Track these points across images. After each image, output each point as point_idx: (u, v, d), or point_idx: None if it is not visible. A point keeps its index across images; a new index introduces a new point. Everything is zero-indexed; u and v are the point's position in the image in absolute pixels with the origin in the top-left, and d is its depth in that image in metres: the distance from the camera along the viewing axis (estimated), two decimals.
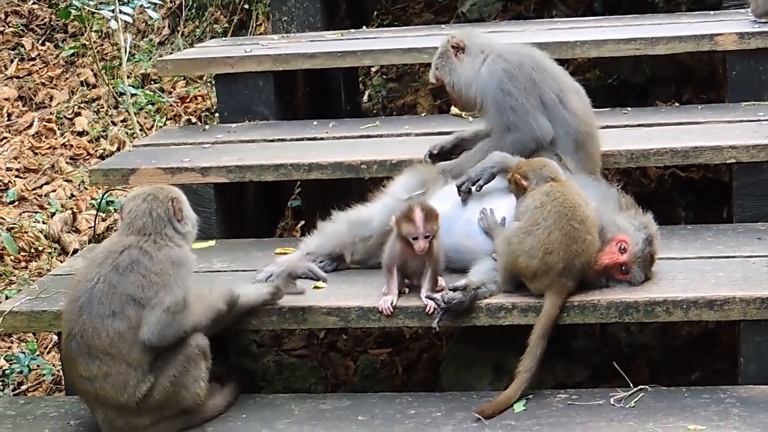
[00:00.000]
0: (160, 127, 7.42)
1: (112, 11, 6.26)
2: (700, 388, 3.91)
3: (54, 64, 8.41)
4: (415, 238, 3.95)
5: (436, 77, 4.55)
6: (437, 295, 3.93)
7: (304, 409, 3.96)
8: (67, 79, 8.26)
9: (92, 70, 8.19)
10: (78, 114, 7.87)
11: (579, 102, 4.46)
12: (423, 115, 6.67)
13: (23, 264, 6.30)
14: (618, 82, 6.72)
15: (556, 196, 3.93)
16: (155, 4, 6.85)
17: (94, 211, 6.59)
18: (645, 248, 4.01)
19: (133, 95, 7.49)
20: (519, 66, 4.38)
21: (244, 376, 4.59)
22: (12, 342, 5.72)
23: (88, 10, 6.84)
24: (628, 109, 5.61)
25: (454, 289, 3.92)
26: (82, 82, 8.16)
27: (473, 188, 4.21)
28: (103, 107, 7.88)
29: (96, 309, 3.67)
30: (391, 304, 3.98)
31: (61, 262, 6.15)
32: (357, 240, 4.37)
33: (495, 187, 4.22)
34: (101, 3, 6.74)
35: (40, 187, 7.14)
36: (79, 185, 7.10)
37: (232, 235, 5.01)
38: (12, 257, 6.30)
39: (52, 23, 8.78)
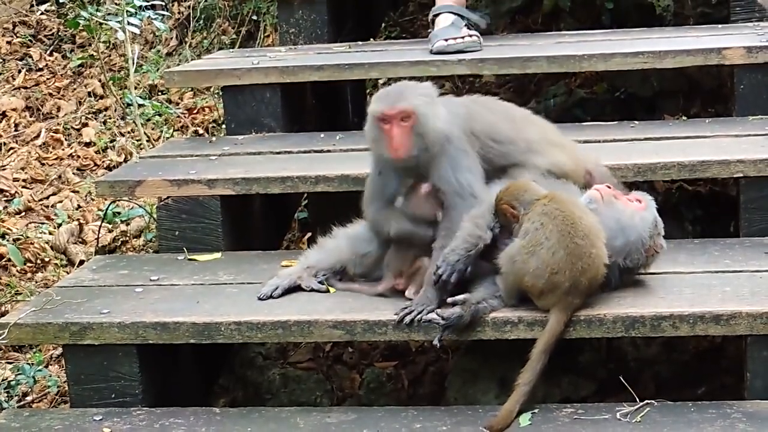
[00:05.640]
0: (167, 138, 7.42)
1: (120, 22, 6.26)
2: (707, 403, 3.90)
3: (61, 75, 8.42)
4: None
5: None
6: (433, 314, 3.91)
7: (309, 422, 3.94)
8: (74, 89, 8.27)
9: (100, 81, 8.20)
10: (85, 125, 7.87)
11: (536, 133, 4.29)
12: None
13: (29, 275, 6.30)
14: (625, 96, 6.70)
15: (555, 215, 3.85)
16: (163, 15, 6.86)
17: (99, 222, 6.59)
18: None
19: (140, 106, 7.50)
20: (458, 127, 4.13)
21: None
22: (18, 353, 5.72)
23: (96, 21, 6.86)
24: (636, 122, 5.60)
25: (454, 304, 3.91)
26: (89, 92, 8.16)
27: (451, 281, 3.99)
28: (110, 118, 7.88)
29: None
30: None
31: (68, 273, 6.15)
32: (356, 256, 4.32)
33: None
34: (109, 14, 6.75)
35: (47, 197, 7.14)
36: (86, 196, 7.10)
37: (239, 248, 5.00)
38: (18, 268, 6.30)
39: (60, 34, 8.79)
